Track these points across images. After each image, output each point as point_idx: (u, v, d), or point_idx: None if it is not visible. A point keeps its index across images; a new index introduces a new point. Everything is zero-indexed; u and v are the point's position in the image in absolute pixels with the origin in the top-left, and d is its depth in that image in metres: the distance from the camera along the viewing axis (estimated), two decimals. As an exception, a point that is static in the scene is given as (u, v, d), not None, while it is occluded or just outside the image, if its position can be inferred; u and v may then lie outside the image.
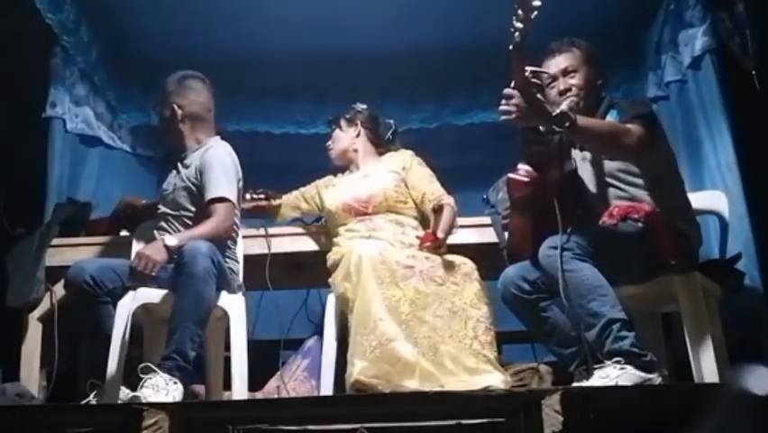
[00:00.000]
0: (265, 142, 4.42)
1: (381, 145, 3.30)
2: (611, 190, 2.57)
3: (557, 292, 2.44)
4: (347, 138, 3.27)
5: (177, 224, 2.89)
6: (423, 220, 3.04)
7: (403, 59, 4.00)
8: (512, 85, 2.31)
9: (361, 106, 3.33)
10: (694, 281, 2.45)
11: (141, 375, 2.44)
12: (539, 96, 2.35)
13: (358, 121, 3.28)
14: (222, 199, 2.79)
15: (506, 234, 2.92)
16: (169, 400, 2.37)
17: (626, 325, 2.28)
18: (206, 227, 2.74)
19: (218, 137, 3.04)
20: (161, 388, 2.41)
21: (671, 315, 2.79)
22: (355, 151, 3.25)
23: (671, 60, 3.71)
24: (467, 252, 2.83)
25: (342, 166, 3.31)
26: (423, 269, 2.66)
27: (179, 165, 2.96)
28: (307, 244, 3.23)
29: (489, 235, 3.10)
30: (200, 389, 3.05)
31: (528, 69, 2.34)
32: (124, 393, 2.55)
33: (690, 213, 2.59)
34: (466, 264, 2.72)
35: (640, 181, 2.54)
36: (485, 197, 3.30)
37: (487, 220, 3.15)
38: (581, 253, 2.35)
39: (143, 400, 2.30)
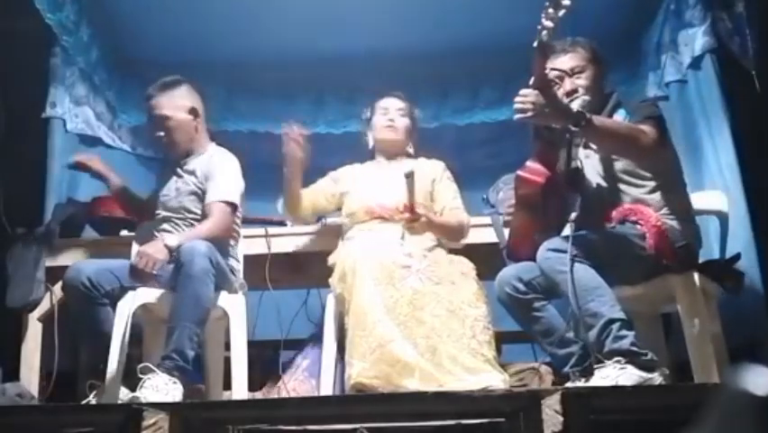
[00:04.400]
0: (265, 142, 4.41)
1: (414, 145, 3.19)
2: (613, 191, 2.56)
3: (554, 293, 2.46)
4: (404, 130, 3.13)
5: (183, 226, 2.91)
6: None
7: (403, 59, 3.99)
8: (531, 82, 2.31)
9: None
10: (693, 282, 2.45)
11: (141, 375, 2.44)
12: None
13: (412, 116, 3.16)
14: (220, 201, 2.84)
15: (506, 232, 2.92)
16: (168, 400, 2.37)
17: (626, 324, 2.28)
18: (203, 228, 2.78)
19: (214, 143, 3.06)
20: (161, 388, 2.41)
21: (671, 315, 2.80)
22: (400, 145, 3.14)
23: (671, 60, 3.71)
24: (467, 252, 2.83)
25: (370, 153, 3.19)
26: (420, 268, 2.64)
27: (180, 171, 2.97)
28: (307, 244, 3.23)
29: (489, 235, 3.09)
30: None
31: (549, 67, 2.33)
32: (124, 393, 2.56)
33: (691, 214, 2.59)
34: (463, 263, 2.71)
35: (642, 182, 2.53)
36: (485, 197, 3.30)
37: (487, 220, 3.15)
38: (578, 254, 2.35)
39: (143, 401, 2.30)
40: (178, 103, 2.95)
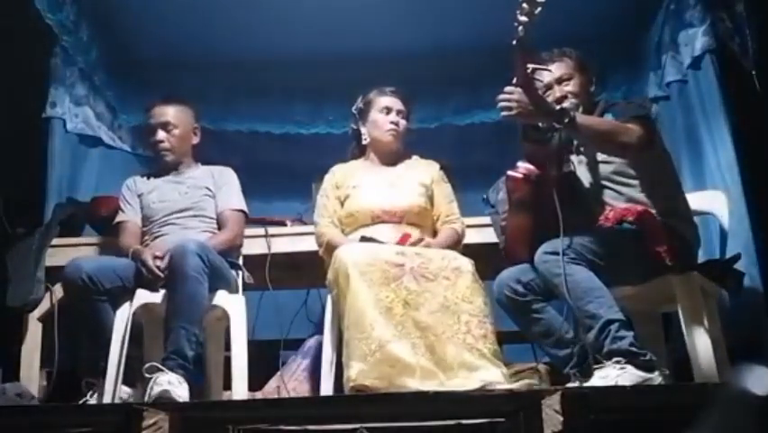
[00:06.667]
0: (265, 142, 4.42)
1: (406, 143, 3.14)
2: (608, 193, 2.58)
3: (553, 295, 2.46)
4: (403, 133, 3.07)
5: (195, 222, 2.99)
6: (435, 234, 2.98)
7: (403, 59, 3.99)
8: (513, 81, 2.32)
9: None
10: (692, 282, 2.46)
11: (148, 375, 2.45)
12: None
13: (409, 116, 3.09)
14: (235, 209, 3.02)
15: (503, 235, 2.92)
16: (181, 394, 2.40)
17: (625, 325, 2.29)
18: (224, 237, 2.93)
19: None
20: (174, 383, 2.42)
21: (671, 315, 2.79)
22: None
23: (671, 60, 3.71)
24: (467, 252, 2.83)
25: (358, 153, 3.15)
26: (413, 266, 2.59)
27: (176, 178, 3.08)
28: (307, 244, 3.22)
29: (489, 235, 3.09)
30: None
31: (530, 65, 2.35)
32: (125, 393, 2.56)
33: (688, 213, 2.59)
34: (457, 259, 2.68)
35: (636, 183, 2.54)
36: (485, 197, 3.29)
37: (487, 220, 3.14)
38: (576, 256, 2.37)
39: (170, 392, 2.34)
40: (185, 117, 3.11)
